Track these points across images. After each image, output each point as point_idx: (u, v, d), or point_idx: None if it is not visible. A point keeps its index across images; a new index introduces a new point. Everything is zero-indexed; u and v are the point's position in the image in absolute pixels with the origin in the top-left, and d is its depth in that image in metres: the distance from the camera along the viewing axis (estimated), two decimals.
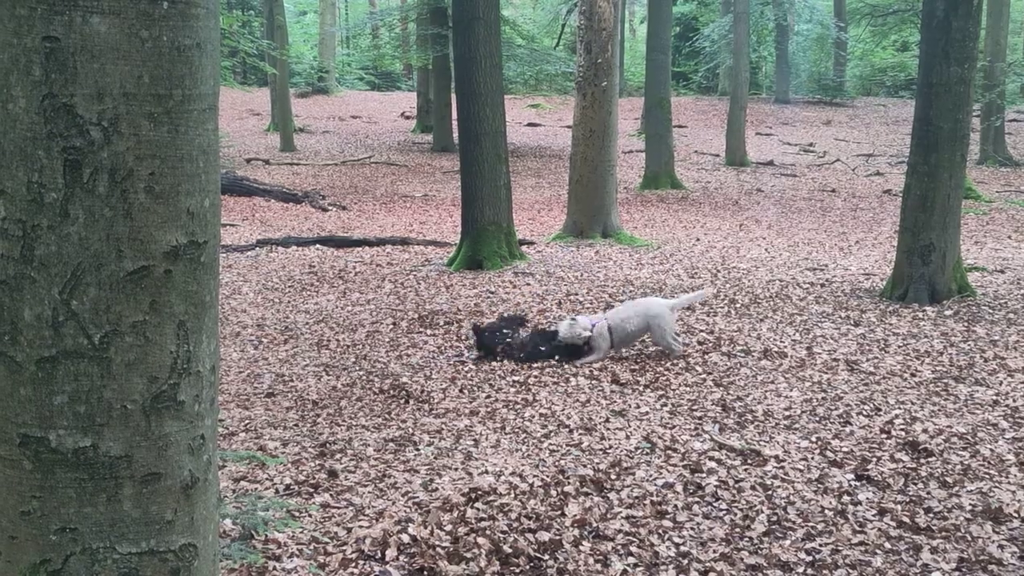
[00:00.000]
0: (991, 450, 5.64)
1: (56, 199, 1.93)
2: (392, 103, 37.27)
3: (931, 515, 4.76)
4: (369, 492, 5.23)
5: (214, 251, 2.13)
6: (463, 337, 8.63)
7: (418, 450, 5.93)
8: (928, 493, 5.03)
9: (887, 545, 4.42)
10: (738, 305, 9.80)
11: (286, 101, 27.28)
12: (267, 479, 5.43)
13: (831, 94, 36.55)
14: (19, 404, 2.02)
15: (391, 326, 9.26)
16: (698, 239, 14.82)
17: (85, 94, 1.91)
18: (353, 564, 4.33)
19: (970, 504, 4.86)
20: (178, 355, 2.07)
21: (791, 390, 6.95)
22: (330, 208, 17.88)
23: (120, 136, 1.94)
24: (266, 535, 4.55)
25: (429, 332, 8.97)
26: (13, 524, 2.07)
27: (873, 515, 4.75)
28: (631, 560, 4.31)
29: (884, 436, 5.93)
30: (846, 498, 4.98)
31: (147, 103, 1.96)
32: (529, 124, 32.13)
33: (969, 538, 4.49)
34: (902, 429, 6.03)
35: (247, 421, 6.54)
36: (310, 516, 4.89)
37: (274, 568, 4.29)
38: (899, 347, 8.08)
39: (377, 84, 43.29)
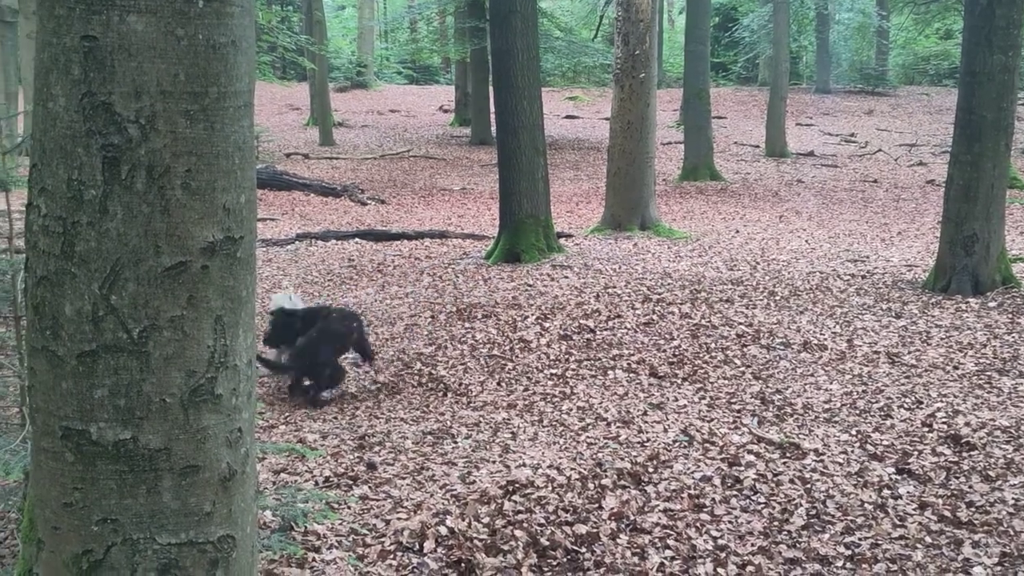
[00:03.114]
0: None
1: (95, 196, 1.97)
2: (430, 97, 37.34)
3: (973, 509, 4.71)
4: (407, 484, 5.26)
5: (250, 246, 2.15)
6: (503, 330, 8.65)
7: (456, 443, 5.96)
8: (970, 487, 4.98)
9: (928, 539, 4.38)
10: (778, 297, 9.73)
11: (325, 96, 27.40)
12: (307, 471, 5.47)
13: (873, 83, 36.12)
14: (61, 397, 2.06)
15: (429, 319, 9.28)
16: (737, 231, 14.73)
17: (123, 92, 1.94)
18: (391, 556, 4.37)
19: (1013, 498, 4.81)
20: (215, 349, 2.10)
21: (831, 383, 6.90)
22: (369, 202, 17.95)
23: (157, 133, 1.97)
24: (305, 527, 4.59)
25: (467, 325, 8.99)
26: (56, 515, 2.11)
27: (914, 509, 4.71)
28: (668, 553, 4.30)
29: (926, 429, 5.87)
30: (886, 492, 4.94)
31: (183, 100, 1.98)
32: (567, 116, 32.06)
33: (1012, 532, 4.44)
34: (944, 422, 5.96)
35: (287, 414, 6.60)
36: (349, 508, 4.93)
37: (313, 559, 4.33)
38: (942, 339, 7.99)
39: (415, 78, 43.38)
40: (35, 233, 2.02)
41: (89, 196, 1.97)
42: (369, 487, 5.23)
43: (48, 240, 2.00)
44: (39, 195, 2.01)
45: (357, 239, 14.07)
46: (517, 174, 12.16)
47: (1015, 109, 9.89)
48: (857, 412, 6.25)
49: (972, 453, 5.46)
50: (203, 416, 2.10)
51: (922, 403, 6.37)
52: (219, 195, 2.05)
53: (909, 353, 7.60)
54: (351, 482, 5.30)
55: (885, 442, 5.67)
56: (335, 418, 6.52)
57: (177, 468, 2.09)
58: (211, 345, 2.09)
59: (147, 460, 2.06)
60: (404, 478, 5.36)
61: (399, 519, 4.74)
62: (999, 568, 4.13)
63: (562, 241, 13.02)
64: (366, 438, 6.04)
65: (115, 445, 2.05)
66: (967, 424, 5.90)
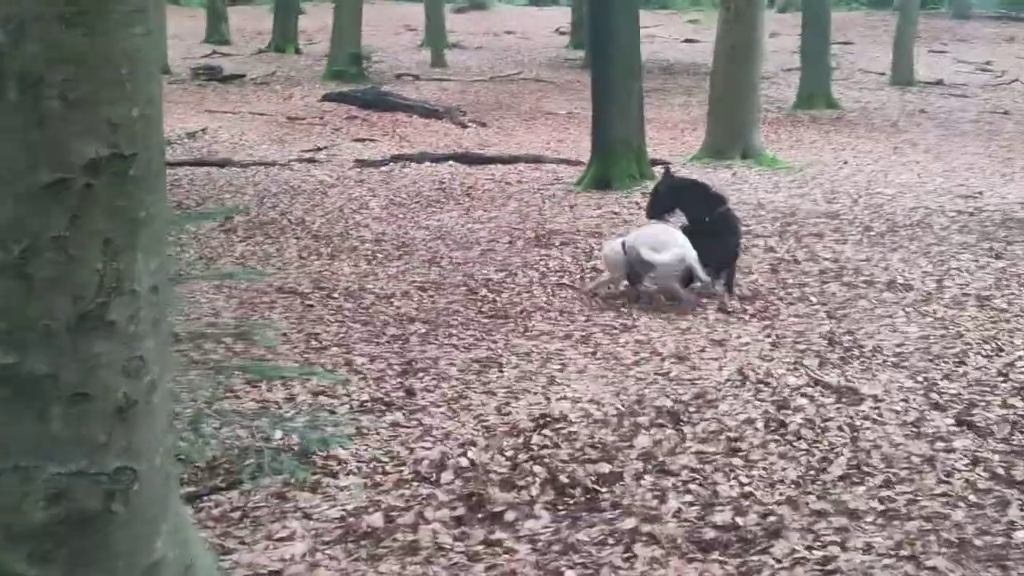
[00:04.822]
0: None
1: None
2: (548, 19, 36.72)
3: None
4: (442, 413, 5.18)
5: (148, 165, 2.02)
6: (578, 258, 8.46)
7: (502, 372, 5.84)
8: None
9: (972, 498, 4.07)
10: (873, 233, 9.26)
11: (438, 17, 27.18)
12: (345, 395, 5.43)
13: (1017, 8, 34.00)
14: None
15: (507, 245, 9.14)
16: (845, 162, 14.07)
17: None
18: (406, 485, 4.29)
19: None
20: (105, 273, 1.99)
21: (909, 325, 6.52)
22: (469, 124, 17.76)
23: (29, 39, 1.84)
24: (327, 452, 4.54)
25: (543, 252, 8.82)
26: None
27: (964, 464, 4.39)
28: (688, 498, 4.11)
29: (1000, 379, 5.48)
30: (940, 444, 4.61)
31: (59, 4, 1.84)
32: (686, 40, 31.11)
33: None
34: (1022, 372, 5.57)
35: (341, 336, 6.57)
36: (378, 435, 4.87)
37: (327, 485, 4.28)
38: None
39: None
40: None
41: None
42: (403, 414, 5.16)
43: None
44: None
45: (451, 162, 13.93)
46: (610, 99, 11.84)
47: None
48: (929, 357, 5.88)
49: None
50: (94, 343, 2.00)
51: (1003, 350, 5.96)
52: (103, 108, 1.92)
53: (1002, 296, 7.13)
54: (385, 408, 5.24)
55: (952, 391, 5.32)
56: (388, 342, 6.45)
57: (66, 395, 2.00)
58: (100, 269, 1.98)
59: (34, 386, 1.98)
60: (440, 406, 5.28)
61: (423, 448, 4.66)
62: None
63: (657, 169, 12.63)
64: (412, 363, 5.96)
65: (0, 369, 1.96)
66: None
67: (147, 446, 2.12)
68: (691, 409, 5.09)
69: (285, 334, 6.52)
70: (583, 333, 6.57)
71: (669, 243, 6.99)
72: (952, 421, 4.89)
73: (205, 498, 4.11)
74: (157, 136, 2.04)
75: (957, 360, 5.81)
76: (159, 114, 2.05)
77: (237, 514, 4.01)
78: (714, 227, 7.38)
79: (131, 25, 1.93)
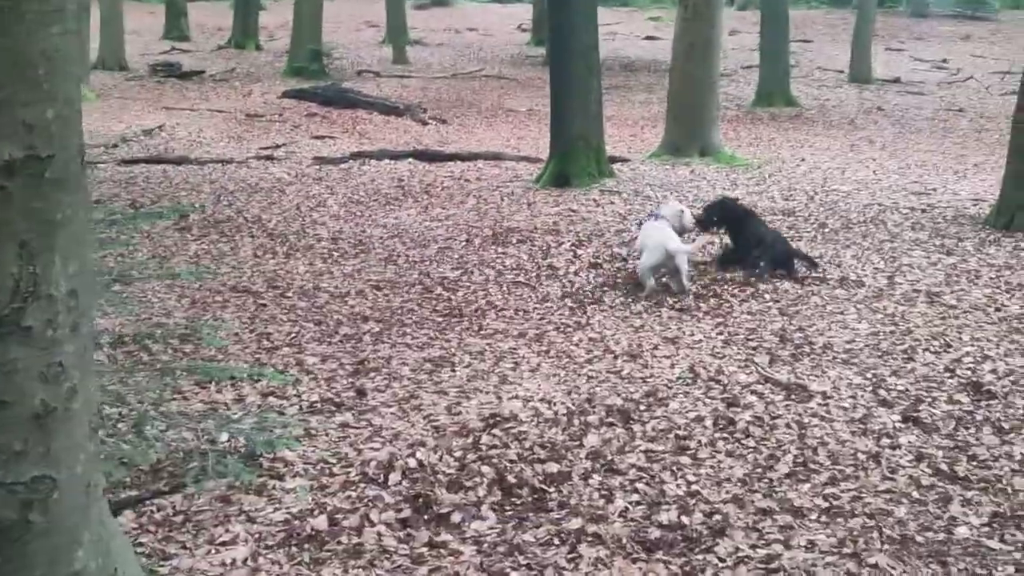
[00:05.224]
0: None
1: None
2: (510, 15, 36.68)
3: (974, 463, 4.42)
4: (392, 413, 5.15)
5: (66, 166, 1.98)
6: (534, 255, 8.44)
7: (454, 371, 5.81)
8: (978, 439, 4.67)
9: (915, 494, 4.11)
10: (827, 230, 9.32)
11: (399, 13, 27.07)
12: (295, 396, 5.39)
13: (974, 7, 34.38)
14: None
15: (463, 243, 9.11)
16: (803, 159, 14.17)
17: None
18: (353, 487, 4.26)
19: (1021, 453, 4.49)
20: (21, 277, 1.94)
21: (859, 322, 6.57)
22: (430, 121, 17.70)
23: None
24: (274, 453, 4.50)
25: (500, 250, 8.80)
26: None
27: (909, 461, 4.43)
28: (635, 498, 4.11)
29: (947, 375, 5.54)
30: (885, 441, 4.66)
31: None
32: (647, 38, 31.20)
33: (1010, 491, 4.15)
34: (969, 368, 5.63)
35: (293, 336, 6.51)
36: (327, 436, 4.83)
37: (273, 487, 4.25)
38: (990, 279, 7.55)
39: None
40: None
41: None
42: (352, 414, 5.12)
43: None
44: None
45: (410, 159, 13.88)
46: (569, 96, 11.82)
47: None
48: (879, 354, 5.93)
49: (991, 403, 5.13)
50: (9, 349, 1.96)
51: (951, 346, 6.02)
52: (18, 109, 1.88)
53: (951, 292, 7.20)
54: (335, 408, 5.20)
55: (899, 387, 5.37)
56: (341, 342, 6.41)
57: None
58: (15, 273, 1.94)
59: None
60: (391, 406, 5.25)
61: (371, 449, 4.63)
62: (986, 529, 3.85)
63: (616, 166, 12.66)
64: (364, 363, 5.93)
65: None
66: (993, 371, 5.55)
67: (67, 454, 2.08)
68: (641, 407, 5.10)
69: (237, 334, 6.48)
70: (537, 331, 6.56)
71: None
72: (898, 417, 4.93)
73: (147, 502, 4.05)
74: (76, 137, 2.00)
75: (906, 356, 5.87)
76: (78, 114, 2.01)
77: (180, 518, 3.96)
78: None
79: (48, 25, 1.89)
